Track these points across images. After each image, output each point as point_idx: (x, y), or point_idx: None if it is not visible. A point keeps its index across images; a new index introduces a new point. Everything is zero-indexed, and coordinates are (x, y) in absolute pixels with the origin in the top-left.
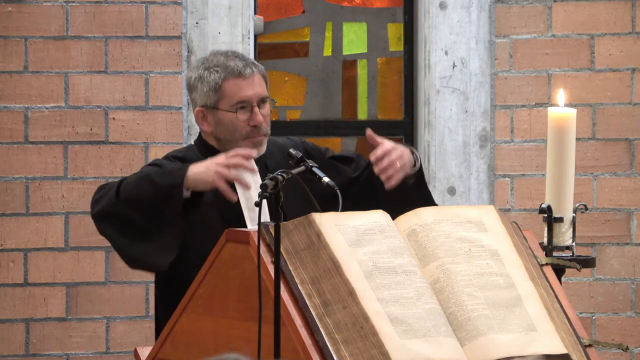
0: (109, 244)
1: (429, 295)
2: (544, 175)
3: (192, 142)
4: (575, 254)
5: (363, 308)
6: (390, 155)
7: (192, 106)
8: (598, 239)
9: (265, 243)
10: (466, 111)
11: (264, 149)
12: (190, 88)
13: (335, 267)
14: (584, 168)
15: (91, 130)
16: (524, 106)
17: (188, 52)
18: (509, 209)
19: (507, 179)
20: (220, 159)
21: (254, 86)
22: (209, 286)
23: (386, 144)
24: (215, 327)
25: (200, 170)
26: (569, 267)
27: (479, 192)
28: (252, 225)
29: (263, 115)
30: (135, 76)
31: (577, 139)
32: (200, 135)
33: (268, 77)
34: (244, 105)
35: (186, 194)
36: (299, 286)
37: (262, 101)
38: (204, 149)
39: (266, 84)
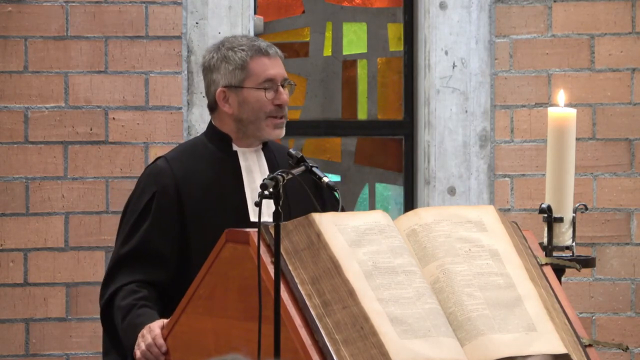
0: (108, 244)
1: (428, 295)
2: (544, 175)
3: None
4: (575, 254)
5: (363, 308)
6: None
7: (211, 89)
8: (598, 239)
9: (265, 243)
10: (466, 111)
11: (283, 132)
12: (211, 69)
13: (335, 267)
14: (584, 168)
15: (91, 130)
16: (524, 106)
17: (188, 52)
18: (509, 209)
19: (507, 179)
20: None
21: (279, 66)
22: (209, 286)
23: None
24: (215, 327)
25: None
26: (569, 267)
27: (479, 192)
28: (255, 218)
29: (286, 96)
30: (135, 76)
31: (577, 139)
32: (210, 123)
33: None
34: (270, 84)
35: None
36: (299, 286)
37: (285, 82)
38: (215, 137)
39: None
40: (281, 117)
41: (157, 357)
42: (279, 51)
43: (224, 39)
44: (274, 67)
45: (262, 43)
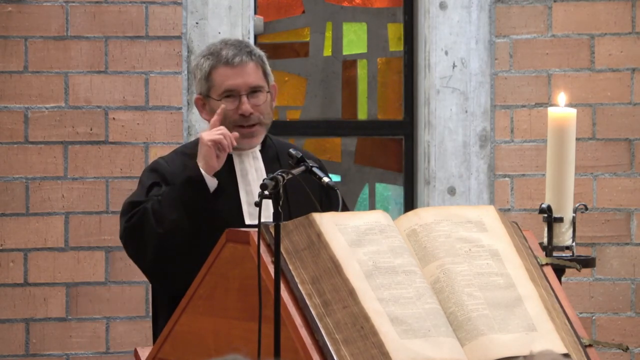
0: (108, 244)
1: (429, 295)
2: (544, 175)
3: None
4: (575, 254)
5: (363, 308)
6: None
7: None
8: (598, 239)
9: (265, 243)
10: (466, 111)
11: (259, 139)
12: (193, 76)
13: (335, 267)
14: (584, 168)
15: (91, 130)
16: (524, 106)
17: (188, 52)
18: (509, 209)
19: (507, 179)
20: (207, 136)
21: (244, 75)
22: (209, 286)
23: None
24: (215, 327)
25: (201, 155)
26: (569, 267)
27: (479, 192)
28: (250, 221)
29: (255, 105)
30: (135, 76)
31: (577, 139)
32: None
33: (266, 65)
34: (231, 94)
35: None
36: (299, 286)
37: (253, 90)
38: None
39: (264, 72)
40: (250, 126)
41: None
42: (253, 57)
43: (208, 44)
44: (237, 77)
45: (231, 51)
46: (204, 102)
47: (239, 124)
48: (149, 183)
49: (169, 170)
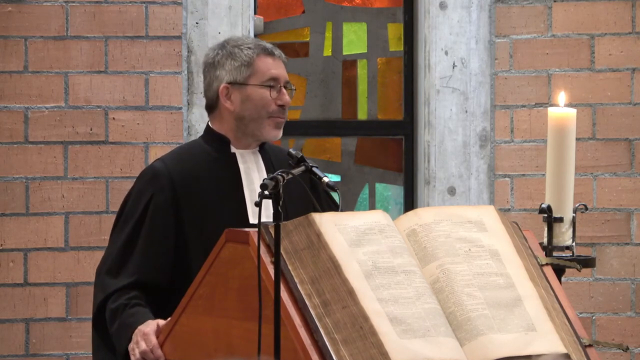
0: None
1: (428, 295)
2: (544, 175)
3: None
4: (575, 254)
5: (362, 308)
6: None
7: (213, 85)
8: (598, 239)
9: (265, 243)
10: (466, 111)
11: (281, 133)
12: (215, 65)
13: (334, 267)
14: (584, 168)
15: (91, 130)
16: (524, 106)
17: (188, 52)
18: (509, 209)
19: (507, 179)
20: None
21: (283, 68)
22: (209, 286)
23: None
24: (215, 327)
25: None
26: (569, 267)
27: (479, 192)
28: (254, 220)
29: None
30: (135, 76)
31: (577, 139)
32: (208, 125)
33: None
34: (274, 83)
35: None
36: (299, 286)
37: (287, 84)
38: (213, 139)
39: None
40: (282, 116)
41: None
42: (282, 54)
43: (227, 38)
44: (279, 67)
45: (267, 44)
46: (230, 92)
47: (275, 115)
48: (141, 207)
49: (167, 175)
